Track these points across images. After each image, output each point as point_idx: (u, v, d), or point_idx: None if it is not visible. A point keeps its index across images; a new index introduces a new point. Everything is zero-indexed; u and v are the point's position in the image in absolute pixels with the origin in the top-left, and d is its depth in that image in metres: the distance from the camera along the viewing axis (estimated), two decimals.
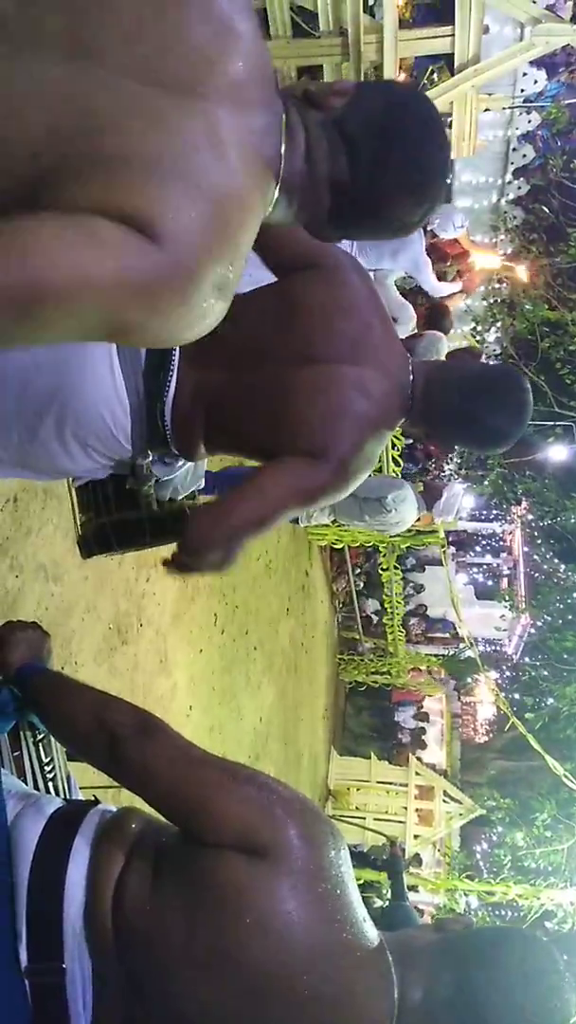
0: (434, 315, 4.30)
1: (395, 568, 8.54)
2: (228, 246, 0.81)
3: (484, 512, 15.02)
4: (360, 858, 6.77)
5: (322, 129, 0.91)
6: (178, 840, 0.94)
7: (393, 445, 6.64)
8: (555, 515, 10.36)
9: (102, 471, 1.37)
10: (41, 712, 1.10)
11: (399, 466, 7.56)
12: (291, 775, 7.52)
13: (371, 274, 3.84)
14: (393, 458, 7.29)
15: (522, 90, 8.54)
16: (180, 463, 1.40)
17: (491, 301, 9.66)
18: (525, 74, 8.69)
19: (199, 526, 1.26)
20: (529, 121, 8.73)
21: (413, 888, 8.16)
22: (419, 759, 10.41)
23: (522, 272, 9.06)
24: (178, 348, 1.28)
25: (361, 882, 6.26)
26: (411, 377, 1.31)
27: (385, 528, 3.92)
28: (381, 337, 1.30)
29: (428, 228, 4.02)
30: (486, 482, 10.62)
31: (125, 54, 0.77)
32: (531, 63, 8.07)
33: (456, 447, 1.76)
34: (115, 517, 1.44)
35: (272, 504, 1.23)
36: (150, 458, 1.33)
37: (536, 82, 8.76)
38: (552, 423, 9.37)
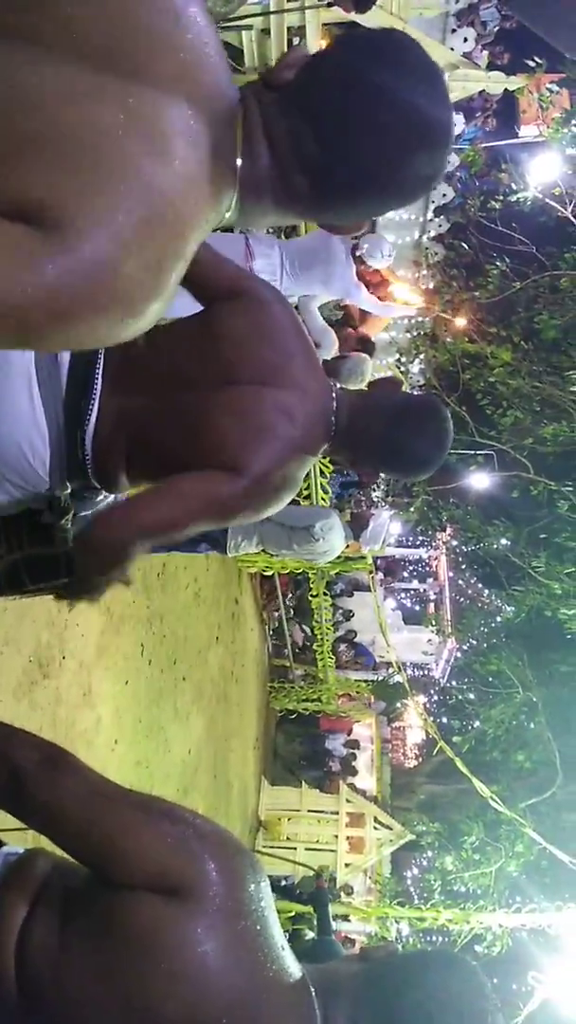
0: (363, 345, 4.40)
1: (324, 594, 8.58)
2: (157, 247, 0.72)
3: (410, 538, 15.30)
4: (285, 891, 6.69)
5: (279, 109, 0.83)
6: (88, 883, 0.89)
7: (322, 473, 6.71)
8: (478, 541, 10.63)
9: (16, 505, 1.32)
10: None
11: (327, 493, 7.64)
12: (221, 807, 7.39)
13: (296, 300, 3.89)
14: (322, 485, 7.37)
15: None
16: (100, 497, 1.36)
17: (415, 334, 9.92)
18: None
19: (108, 520, 1.21)
20: (448, 162, 9.07)
21: (344, 917, 8.10)
22: (350, 786, 10.40)
23: (444, 307, 9.34)
24: (100, 375, 1.25)
25: (291, 914, 6.17)
26: (334, 404, 1.32)
27: (313, 557, 3.94)
28: (304, 364, 1.30)
29: (357, 254, 4.08)
30: (412, 509, 10.82)
31: (60, 31, 0.70)
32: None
33: (380, 474, 1.77)
34: (28, 553, 1.38)
35: (185, 508, 1.19)
36: (68, 491, 1.29)
37: (454, 125, 9.13)
38: (473, 452, 9.64)
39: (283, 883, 7.55)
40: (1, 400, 1.20)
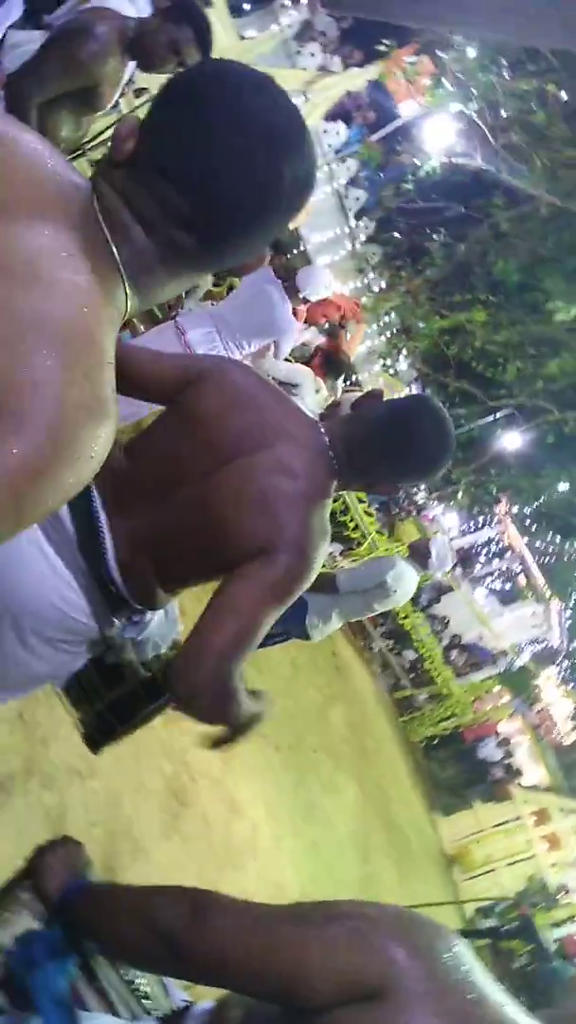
0: (329, 360, 4.36)
1: (413, 612, 8.40)
2: (88, 376, 0.68)
3: (470, 523, 15.03)
4: (490, 934, 6.32)
5: (133, 181, 0.80)
6: (284, 1018, 0.82)
7: (360, 500, 6.64)
8: (536, 498, 10.39)
9: (76, 660, 1.29)
10: (92, 938, 1.00)
11: (372, 515, 7.54)
12: (405, 859, 7.12)
13: (248, 354, 3.89)
14: (364, 511, 7.27)
15: (329, 145, 9.08)
16: (148, 616, 1.32)
17: (388, 334, 9.92)
18: (326, 131, 9.22)
19: (182, 666, 1.17)
20: (348, 168, 9.24)
21: (572, 919, 7.65)
22: (521, 786, 9.99)
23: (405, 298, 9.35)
24: (101, 507, 1.23)
25: (531, 948, 5.79)
26: (327, 439, 1.29)
27: (393, 605, 3.86)
28: (283, 414, 1.29)
29: (300, 294, 4.06)
30: (459, 495, 10.66)
31: None
32: (327, 119, 8.62)
33: (400, 485, 1.69)
34: (108, 699, 1.36)
35: (248, 616, 1.15)
36: (117, 625, 1.25)
37: (338, 133, 9.33)
38: (493, 417, 9.50)
39: (484, 926, 7.14)
40: (21, 569, 1.18)
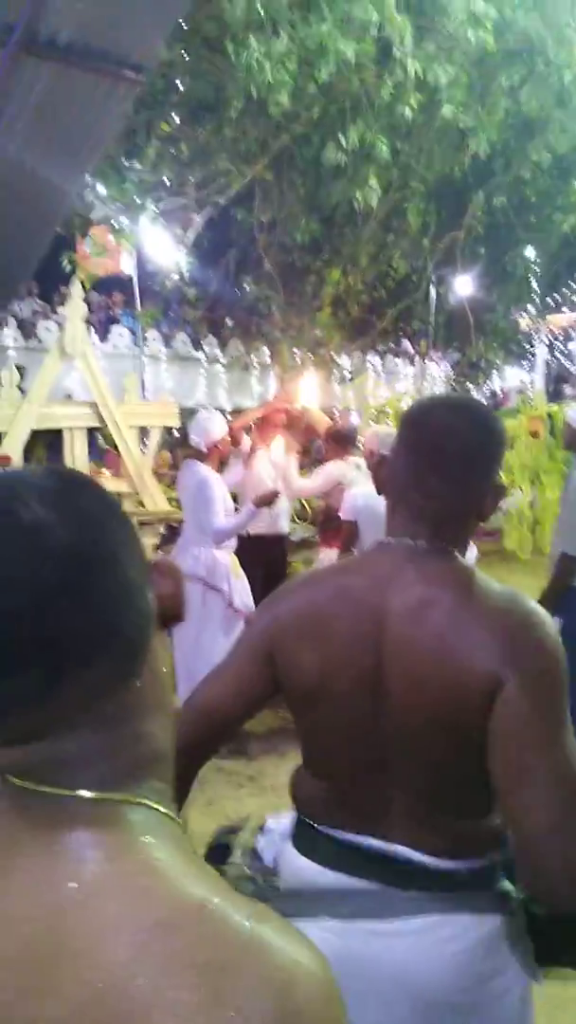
0: (339, 439, 4.18)
1: None
2: None
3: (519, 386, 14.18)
4: None
5: None
6: None
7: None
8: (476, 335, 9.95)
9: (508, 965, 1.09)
10: None
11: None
12: None
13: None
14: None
15: (127, 347, 9.43)
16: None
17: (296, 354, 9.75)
18: (115, 345, 9.60)
19: (531, 876, 0.97)
20: (154, 339, 9.50)
21: None
22: None
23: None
24: (361, 834, 1.10)
25: None
26: (401, 538, 1.09)
27: None
28: (354, 569, 1.16)
29: (203, 442, 3.68)
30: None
31: None
32: (100, 336, 8.98)
33: (487, 491, 1.10)
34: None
35: (546, 766, 0.93)
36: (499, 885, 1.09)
37: (121, 335, 9.71)
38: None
39: None
40: (406, 957, 1.05)
